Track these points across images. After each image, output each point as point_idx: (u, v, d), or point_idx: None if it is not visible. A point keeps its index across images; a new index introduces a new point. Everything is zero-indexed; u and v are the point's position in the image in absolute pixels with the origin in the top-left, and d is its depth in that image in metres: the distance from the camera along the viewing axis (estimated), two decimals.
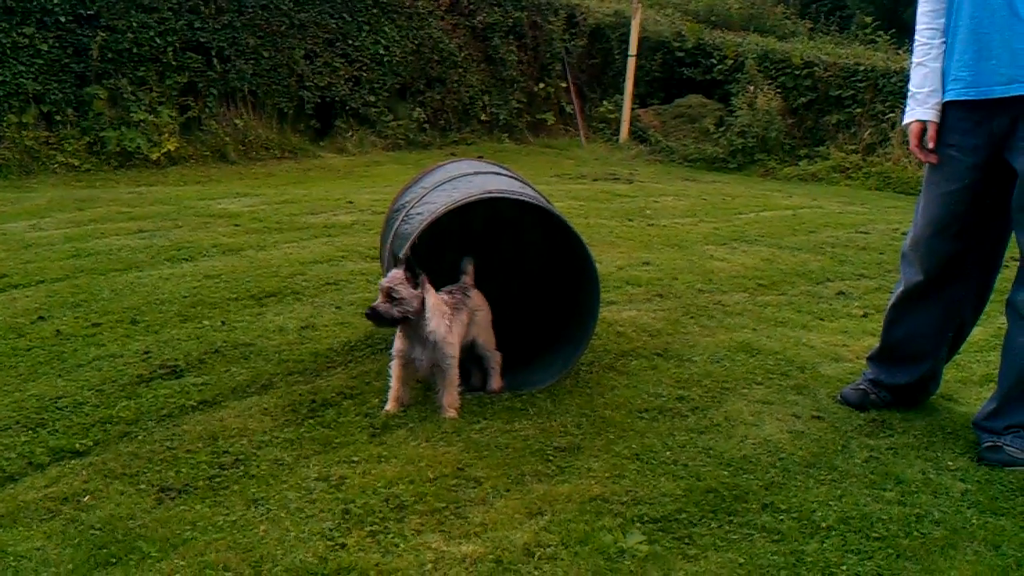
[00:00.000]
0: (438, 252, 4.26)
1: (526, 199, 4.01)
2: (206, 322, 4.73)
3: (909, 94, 3.71)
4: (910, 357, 3.95)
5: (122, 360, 4.20)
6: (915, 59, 3.70)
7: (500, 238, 4.62)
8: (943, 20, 3.61)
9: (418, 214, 4.03)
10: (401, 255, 3.75)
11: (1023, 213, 3.48)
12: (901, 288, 3.91)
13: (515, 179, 4.60)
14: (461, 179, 4.32)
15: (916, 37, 3.70)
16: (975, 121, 3.53)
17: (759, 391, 4.12)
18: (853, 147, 12.84)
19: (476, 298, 4.05)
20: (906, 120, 3.72)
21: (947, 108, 3.62)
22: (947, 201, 3.66)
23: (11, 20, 9.98)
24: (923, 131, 3.67)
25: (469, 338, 3.98)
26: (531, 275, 4.72)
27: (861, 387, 4.06)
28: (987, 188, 3.59)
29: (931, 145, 3.65)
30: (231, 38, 11.54)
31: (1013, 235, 3.61)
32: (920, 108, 3.66)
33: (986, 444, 3.55)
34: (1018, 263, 3.59)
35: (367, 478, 3.17)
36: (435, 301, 3.74)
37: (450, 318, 3.78)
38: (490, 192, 3.99)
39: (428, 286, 3.71)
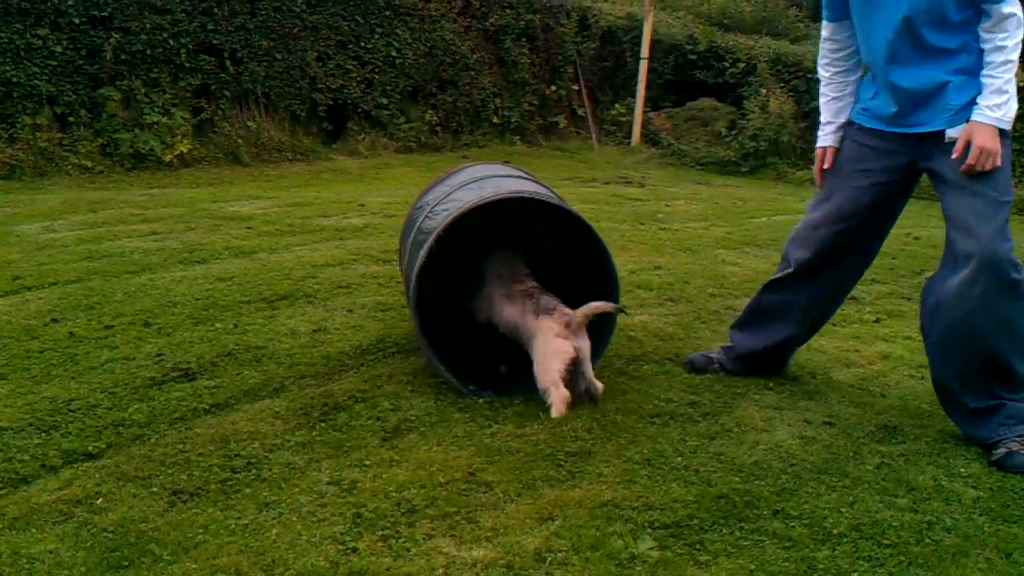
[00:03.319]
0: (456, 254, 4.33)
1: (555, 202, 4.05)
2: (218, 325, 4.75)
3: None
4: (769, 324, 4.29)
5: (135, 363, 4.22)
6: None
7: (517, 242, 4.64)
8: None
9: (444, 210, 4.05)
10: (426, 247, 3.78)
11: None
12: (789, 269, 4.17)
13: (540, 184, 4.62)
14: (487, 180, 4.34)
15: None
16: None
17: (770, 396, 4.12)
18: None
19: None
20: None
21: None
22: (855, 195, 3.94)
23: (25, 21, 10.02)
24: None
25: None
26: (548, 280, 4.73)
27: (710, 354, 4.47)
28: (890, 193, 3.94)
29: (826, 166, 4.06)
30: (244, 40, 11.58)
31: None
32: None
33: (997, 454, 3.55)
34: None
35: (378, 482, 3.18)
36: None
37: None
38: (519, 192, 4.01)
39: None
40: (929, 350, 3.82)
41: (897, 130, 3.78)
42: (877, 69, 3.78)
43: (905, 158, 3.80)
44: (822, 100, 4.08)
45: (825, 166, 4.03)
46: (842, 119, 4.00)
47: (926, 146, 3.71)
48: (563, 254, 4.64)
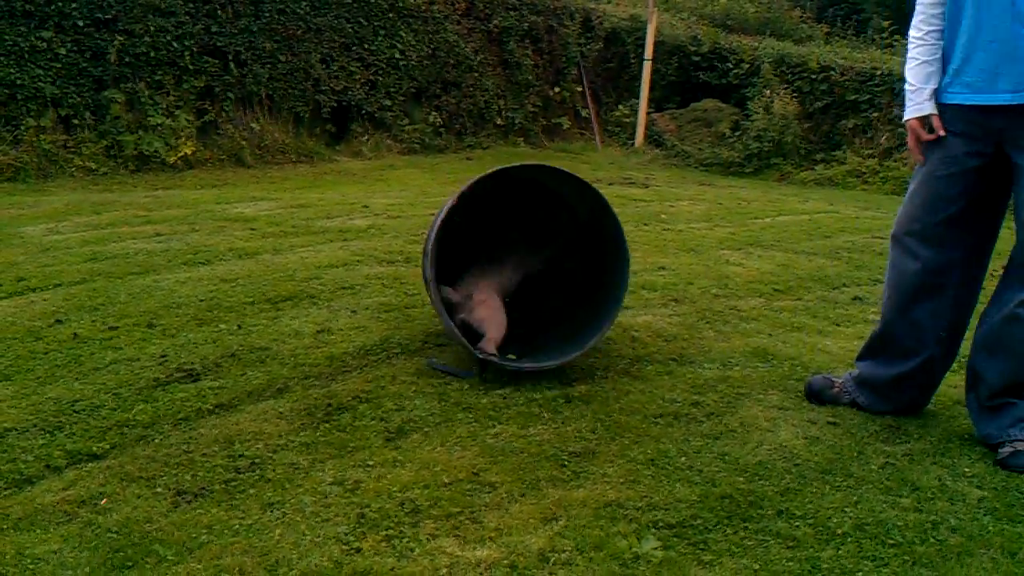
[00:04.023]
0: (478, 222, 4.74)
1: (576, 176, 4.20)
2: (222, 326, 4.75)
3: None
4: (901, 346, 3.88)
5: (139, 364, 4.22)
6: None
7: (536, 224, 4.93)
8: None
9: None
10: (445, 210, 4.10)
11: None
12: (900, 277, 3.82)
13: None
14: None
15: None
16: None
17: (775, 396, 4.11)
18: (870, 151, 12.79)
19: None
20: None
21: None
22: (942, 184, 3.63)
23: (29, 24, 10.04)
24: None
25: None
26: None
27: (834, 378, 4.09)
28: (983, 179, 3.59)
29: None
30: (248, 42, 11.59)
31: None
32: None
33: (1002, 453, 3.53)
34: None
35: (382, 482, 3.18)
36: None
37: None
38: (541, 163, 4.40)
39: None
40: (979, 336, 3.67)
41: (985, 100, 3.46)
42: (991, 19, 3.39)
43: (992, 138, 3.49)
44: (910, 65, 3.69)
45: (940, 131, 3.61)
46: (933, 84, 3.63)
47: (1016, 129, 3.42)
48: (581, 271, 4.78)
